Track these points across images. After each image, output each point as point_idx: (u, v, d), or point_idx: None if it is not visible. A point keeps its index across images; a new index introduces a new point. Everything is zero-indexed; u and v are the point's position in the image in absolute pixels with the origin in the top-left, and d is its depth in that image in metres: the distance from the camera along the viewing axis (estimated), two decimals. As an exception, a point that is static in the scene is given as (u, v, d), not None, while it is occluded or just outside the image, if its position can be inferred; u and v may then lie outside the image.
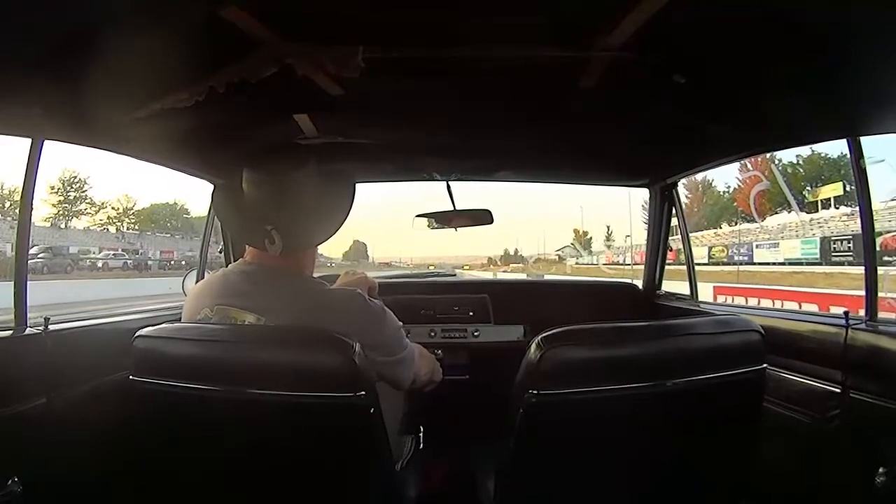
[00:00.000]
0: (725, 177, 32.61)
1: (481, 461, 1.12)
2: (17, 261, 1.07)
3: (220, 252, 1.84)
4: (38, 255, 19.85)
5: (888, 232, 13.56)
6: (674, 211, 1.93)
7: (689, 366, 0.83)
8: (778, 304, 9.06)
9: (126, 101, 1.00)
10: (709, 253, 24.06)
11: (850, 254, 16.20)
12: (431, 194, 2.14)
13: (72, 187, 31.44)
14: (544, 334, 0.80)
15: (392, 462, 0.97)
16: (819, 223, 21.93)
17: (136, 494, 1.01)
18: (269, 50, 0.88)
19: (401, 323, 0.98)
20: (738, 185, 28.80)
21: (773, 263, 20.16)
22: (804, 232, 21.33)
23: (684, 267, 1.94)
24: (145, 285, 14.55)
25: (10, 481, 0.87)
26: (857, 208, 1.21)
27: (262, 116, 1.26)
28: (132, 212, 34.81)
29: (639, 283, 2.14)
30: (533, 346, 0.80)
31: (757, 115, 1.22)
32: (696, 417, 0.86)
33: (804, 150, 26.04)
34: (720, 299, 8.99)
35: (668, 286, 2.06)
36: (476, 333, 1.96)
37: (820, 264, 17.45)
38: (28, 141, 1.03)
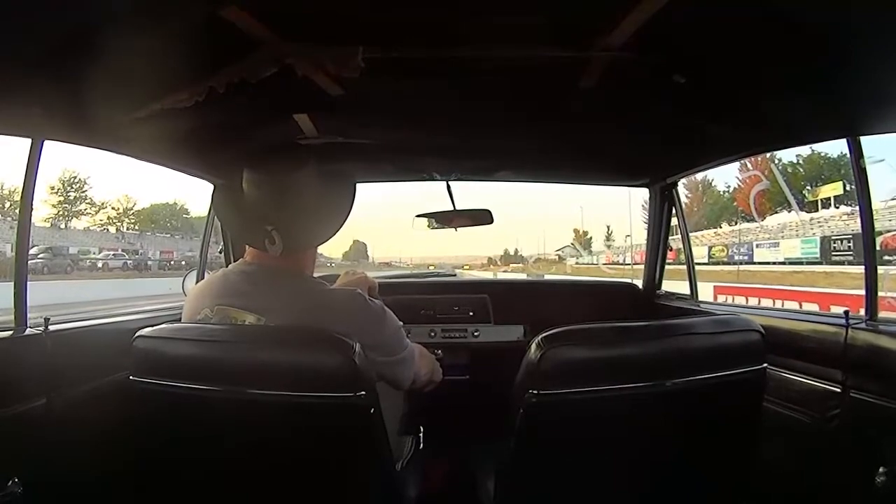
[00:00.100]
0: (725, 177, 32.73)
1: (481, 461, 1.12)
2: (17, 261, 1.07)
3: (220, 252, 1.84)
4: (38, 256, 19.86)
5: (888, 231, 13.57)
6: (674, 211, 1.93)
7: (690, 365, 0.83)
8: (778, 304, 9.07)
9: (126, 101, 1.00)
10: (709, 252, 24.07)
11: (850, 253, 16.20)
12: (431, 194, 2.15)
13: (72, 187, 31.51)
14: (544, 334, 0.80)
15: (392, 462, 0.97)
16: (819, 222, 21.95)
17: (137, 495, 1.01)
18: (269, 50, 0.88)
19: (401, 323, 0.98)
20: (738, 185, 28.89)
21: (774, 263, 20.16)
22: (804, 231, 21.35)
23: (684, 266, 1.94)
24: (145, 285, 14.56)
25: (10, 482, 0.87)
26: (857, 208, 1.21)
27: (262, 116, 1.26)
28: (132, 212, 34.90)
29: (639, 283, 2.14)
30: (533, 346, 0.80)
31: (757, 115, 1.22)
32: (696, 417, 0.86)
33: (804, 150, 26.10)
34: (720, 299, 8.99)
35: (668, 286, 2.06)
36: (476, 333, 1.96)
37: (820, 264, 17.44)
38: (28, 141, 1.03)
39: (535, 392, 0.78)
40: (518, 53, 0.94)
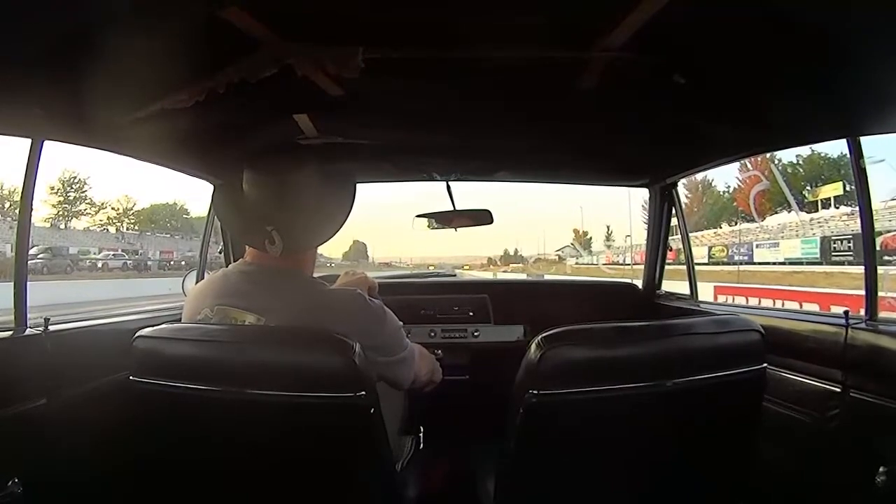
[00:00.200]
0: (725, 177, 32.71)
1: (481, 461, 1.12)
2: (17, 261, 1.07)
3: (220, 252, 1.84)
4: (38, 256, 19.88)
5: (888, 232, 13.57)
6: (674, 211, 1.93)
7: (689, 365, 0.83)
8: (779, 304, 9.07)
9: (126, 101, 1.00)
10: (709, 253, 24.07)
11: (850, 253, 16.21)
12: (431, 194, 2.15)
13: (71, 188, 31.51)
14: (544, 334, 0.80)
15: (392, 462, 0.97)
16: (819, 223, 21.95)
17: (136, 495, 1.01)
18: (269, 50, 0.88)
19: (401, 323, 0.98)
20: (738, 185, 28.86)
21: (774, 263, 20.16)
22: (804, 231, 21.35)
23: (684, 267, 1.94)
24: (145, 286, 14.58)
25: (10, 482, 0.87)
26: (857, 208, 1.21)
27: (262, 117, 1.26)
28: (132, 212, 34.89)
29: (639, 283, 2.14)
30: (533, 346, 0.80)
31: (757, 115, 1.22)
32: (695, 417, 0.86)
33: (804, 150, 26.12)
34: (721, 299, 9.00)
35: (668, 286, 2.06)
36: (476, 333, 1.96)
37: (820, 264, 17.45)
38: (28, 141, 1.03)
39: (534, 392, 0.78)
40: (518, 53, 0.94)
